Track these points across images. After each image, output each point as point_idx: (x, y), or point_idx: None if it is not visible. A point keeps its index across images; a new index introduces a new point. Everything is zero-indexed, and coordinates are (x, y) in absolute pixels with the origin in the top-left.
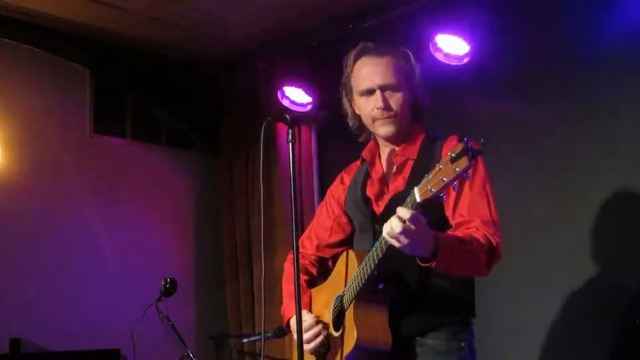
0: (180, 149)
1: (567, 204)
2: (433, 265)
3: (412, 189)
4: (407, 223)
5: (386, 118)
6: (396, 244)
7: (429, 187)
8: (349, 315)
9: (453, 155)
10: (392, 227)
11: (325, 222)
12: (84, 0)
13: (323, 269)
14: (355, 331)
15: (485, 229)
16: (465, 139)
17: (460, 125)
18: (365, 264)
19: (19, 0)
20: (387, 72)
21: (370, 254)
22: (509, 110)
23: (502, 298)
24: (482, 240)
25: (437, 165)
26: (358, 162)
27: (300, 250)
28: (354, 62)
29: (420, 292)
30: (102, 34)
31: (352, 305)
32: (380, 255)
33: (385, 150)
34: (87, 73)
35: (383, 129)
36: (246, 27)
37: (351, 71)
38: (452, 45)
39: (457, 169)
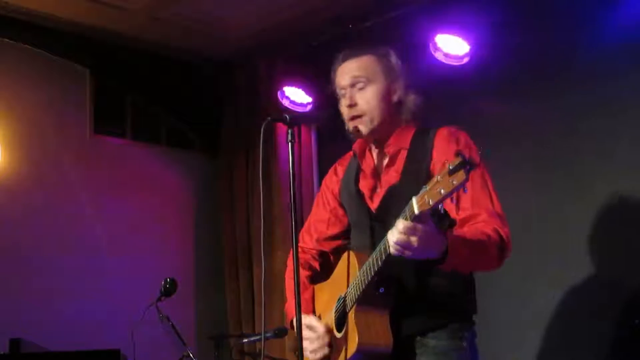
0: (180, 149)
1: (566, 203)
2: (444, 266)
3: (408, 181)
4: (408, 235)
5: (354, 118)
6: (401, 254)
7: (427, 199)
8: (351, 318)
9: (451, 167)
10: (394, 240)
11: (322, 214)
12: (84, 0)
13: (325, 262)
14: (357, 335)
15: (493, 222)
16: (461, 151)
17: (460, 125)
18: (366, 269)
19: (19, 0)
20: (357, 69)
21: (371, 259)
22: (508, 110)
23: (501, 297)
24: (493, 234)
25: (436, 176)
26: (352, 153)
27: (301, 244)
28: (336, 70)
29: (421, 294)
30: (102, 34)
31: (353, 308)
32: (380, 263)
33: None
34: (87, 73)
35: (354, 130)
36: (246, 27)
37: (334, 78)
38: (452, 45)
39: (455, 182)
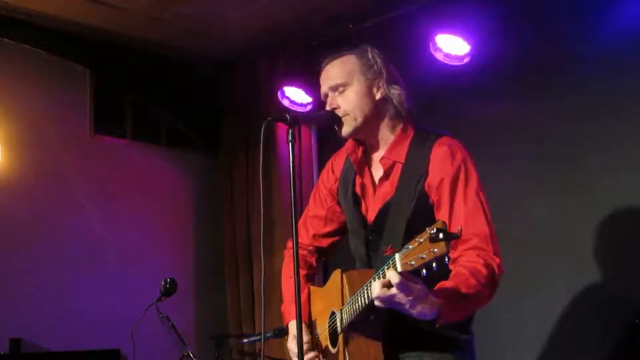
0: (180, 149)
1: (567, 203)
2: (436, 323)
3: (402, 197)
4: (391, 289)
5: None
6: (384, 306)
7: (410, 260)
8: (344, 341)
9: (432, 234)
10: (374, 291)
11: (319, 211)
12: (84, 0)
13: (322, 256)
14: (349, 358)
15: (485, 251)
16: (444, 223)
17: (460, 125)
18: (357, 299)
19: (19, 0)
20: (335, 72)
21: (362, 291)
22: (509, 110)
23: (501, 297)
24: (484, 270)
25: (417, 238)
26: (347, 147)
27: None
28: (319, 75)
29: (413, 319)
30: (102, 34)
31: (346, 331)
32: (366, 303)
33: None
34: (87, 73)
35: (340, 130)
36: (246, 27)
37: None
38: (452, 45)
39: (435, 251)
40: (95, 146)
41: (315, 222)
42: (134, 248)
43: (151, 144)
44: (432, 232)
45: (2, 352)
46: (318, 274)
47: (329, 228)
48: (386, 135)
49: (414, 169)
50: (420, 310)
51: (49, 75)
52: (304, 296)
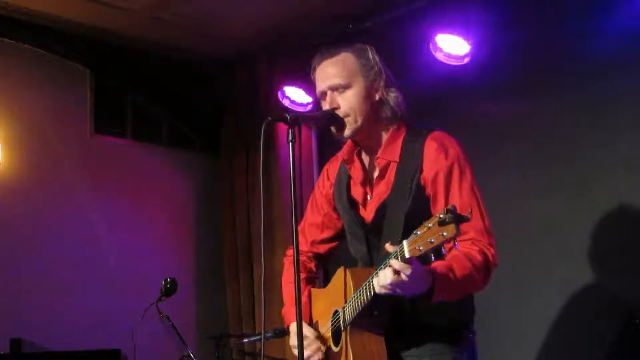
0: (180, 149)
1: (567, 202)
2: (430, 300)
3: (398, 195)
4: (401, 275)
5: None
6: (391, 293)
7: (418, 246)
8: (347, 337)
9: (441, 216)
10: (385, 279)
11: (316, 218)
12: (84, 0)
13: (321, 262)
14: (352, 355)
15: (480, 242)
16: (453, 207)
17: (460, 125)
18: (361, 292)
19: (19, 0)
20: (335, 71)
21: (365, 286)
22: (509, 110)
23: (501, 297)
24: (479, 256)
25: (426, 223)
26: (343, 152)
27: None
28: (314, 70)
29: (415, 315)
30: (102, 34)
31: (349, 328)
32: (371, 296)
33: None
34: (87, 73)
35: (338, 131)
36: (246, 27)
37: (314, 80)
38: (452, 45)
39: (445, 234)
40: (96, 146)
41: (312, 229)
42: (134, 248)
43: (151, 144)
44: (441, 215)
45: (3, 352)
46: (318, 279)
47: (325, 234)
48: (382, 136)
49: (409, 165)
50: (417, 287)
51: (49, 75)
52: (304, 298)
